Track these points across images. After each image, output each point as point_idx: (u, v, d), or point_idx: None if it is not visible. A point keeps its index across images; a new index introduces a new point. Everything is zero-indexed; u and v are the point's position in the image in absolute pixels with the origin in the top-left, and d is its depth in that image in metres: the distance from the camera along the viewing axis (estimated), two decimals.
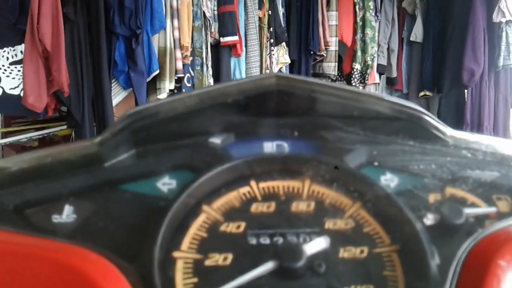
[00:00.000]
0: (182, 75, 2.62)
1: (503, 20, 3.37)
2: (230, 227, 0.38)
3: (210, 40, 2.82)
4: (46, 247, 0.33)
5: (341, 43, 3.56)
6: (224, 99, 0.43)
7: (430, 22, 3.74)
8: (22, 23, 2.16)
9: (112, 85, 2.53)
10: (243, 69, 2.98)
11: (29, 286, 0.31)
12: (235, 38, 2.84)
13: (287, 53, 3.32)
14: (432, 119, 0.44)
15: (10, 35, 2.26)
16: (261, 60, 3.09)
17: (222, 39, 2.83)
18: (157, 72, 2.55)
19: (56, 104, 2.36)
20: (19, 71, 2.27)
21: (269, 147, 0.44)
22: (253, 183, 0.41)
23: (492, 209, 0.40)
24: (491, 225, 0.38)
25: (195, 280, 0.34)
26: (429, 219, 0.38)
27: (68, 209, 0.38)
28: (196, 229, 0.37)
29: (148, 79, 2.52)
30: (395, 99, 0.44)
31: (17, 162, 0.41)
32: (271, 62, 3.16)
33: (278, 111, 0.44)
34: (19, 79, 2.27)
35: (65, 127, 2.55)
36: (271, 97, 0.43)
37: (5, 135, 2.75)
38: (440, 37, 3.70)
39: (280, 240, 0.37)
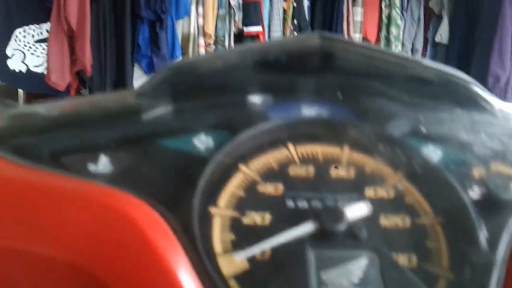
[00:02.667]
0: None
1: None
2: (268, 189, 0.37)
3: (233, 29, 2.81)
4: (84, 188, 0.32)
5: (365, 40, 3.52)
6: (265, 57, 0.41)
7: (456, 23, 3.68)
8: (49, 1, 2.19)
9: (134, 68, 2.53)
10: None
11: (68, 227, 0.30)
12: (259, 28, 2.83)
13: None
14: (481, 90, 0.42)
15: (36, 12, 2.28)
16: None
17: (245, 29, 2.81)
18: (180, 58, 2.55)
19: (78, 84, 2.38)
20: (43, 49, 2.29)
21: (309, 110, 0.43)
22: (290, 145, 0.40)
23: None
24: None
25: (232, 237, 0.33)
26: (475, 192, 0.37)
27: (104, 160, 0.37)
28: (233, 187, 0.36)
29: None
30: (442, 66, 0.42)
31: (53, 108, 0.41)
32: None
33: (320, 73, 0.43)
34: (43, 57, 2.29)
35: None
36: (313, 58, 0.42)
37: None
38: (466, 40, 3.63)
39: (319, 205, 0.36)
